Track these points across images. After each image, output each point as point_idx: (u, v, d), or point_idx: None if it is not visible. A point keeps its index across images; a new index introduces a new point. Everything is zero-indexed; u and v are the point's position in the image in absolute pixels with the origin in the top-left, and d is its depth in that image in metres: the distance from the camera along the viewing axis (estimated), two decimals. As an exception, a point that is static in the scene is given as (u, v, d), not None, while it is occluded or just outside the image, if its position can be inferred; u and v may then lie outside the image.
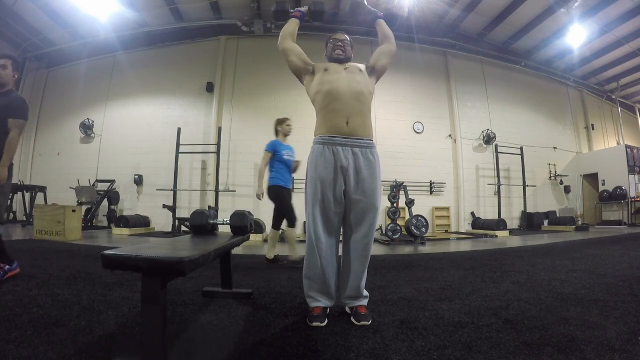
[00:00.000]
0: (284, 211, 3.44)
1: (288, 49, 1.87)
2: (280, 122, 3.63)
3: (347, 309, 1.77)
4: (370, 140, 1.75)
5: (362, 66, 1.87)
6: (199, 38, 8.88)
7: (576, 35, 8.50)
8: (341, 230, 1.80)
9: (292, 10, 1.94)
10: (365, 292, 1.79)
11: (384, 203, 8.09)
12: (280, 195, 3.40)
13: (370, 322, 1.62)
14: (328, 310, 1.74)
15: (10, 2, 7.42)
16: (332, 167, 1.67)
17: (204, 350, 1.35)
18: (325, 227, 1.71)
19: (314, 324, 1.58)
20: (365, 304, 1.76)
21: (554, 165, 10.40)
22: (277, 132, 3.63)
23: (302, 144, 3.31)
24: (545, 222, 9.04)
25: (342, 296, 1.78)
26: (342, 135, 1.68)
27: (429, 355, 1.26)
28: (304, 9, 1.98)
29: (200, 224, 1.98)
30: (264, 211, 7.62)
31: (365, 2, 1.95)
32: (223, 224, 2.07)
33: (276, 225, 3.48)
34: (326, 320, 1.63)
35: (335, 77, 1.75)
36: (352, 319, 1.66)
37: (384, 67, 1.91)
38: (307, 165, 1.76)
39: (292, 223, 3.49)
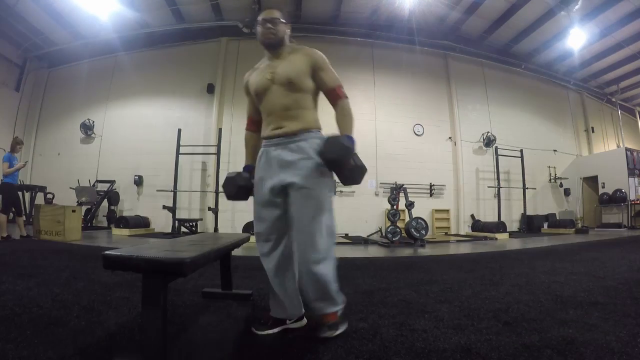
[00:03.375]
0: None
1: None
2: None
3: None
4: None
5: (292, 72, 1.52)
6: (200, 39, 8.89)
7: (576, 38, 8.52)
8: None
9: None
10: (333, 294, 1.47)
11: (384, 205, 8.11)
12: None
13: (336, 333, 1.43)
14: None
15: (12, 2, 7.44)
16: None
17: (204, 351, 1.35)
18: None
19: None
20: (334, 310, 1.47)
21: (554, 168, 10.41)
22: None
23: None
24: (545, 225, 9.05)
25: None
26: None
27: (429, 358, 1.26)
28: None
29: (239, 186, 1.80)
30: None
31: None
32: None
33: None
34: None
35: (265, 99, 1.61)
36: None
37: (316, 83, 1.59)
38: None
39: None
